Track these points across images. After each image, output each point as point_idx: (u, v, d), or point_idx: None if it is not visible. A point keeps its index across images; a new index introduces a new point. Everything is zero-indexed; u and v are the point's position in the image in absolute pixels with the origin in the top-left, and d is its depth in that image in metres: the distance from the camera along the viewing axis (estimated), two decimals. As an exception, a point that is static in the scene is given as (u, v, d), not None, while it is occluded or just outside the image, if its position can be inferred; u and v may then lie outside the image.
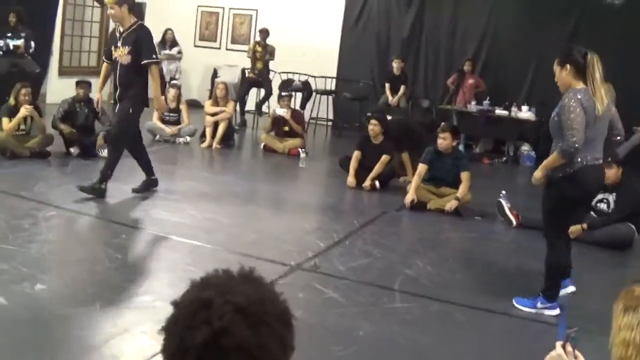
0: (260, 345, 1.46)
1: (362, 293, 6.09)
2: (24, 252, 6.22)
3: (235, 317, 1.46)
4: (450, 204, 9.22)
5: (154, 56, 8.41)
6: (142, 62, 8.24)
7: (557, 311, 5.93)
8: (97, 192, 8.31)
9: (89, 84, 11.37)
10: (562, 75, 5.71)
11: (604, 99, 5.55)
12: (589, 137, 5.54)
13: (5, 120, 10.28)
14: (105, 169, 8.40)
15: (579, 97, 5.51)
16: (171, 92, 13.30)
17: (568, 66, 5.63)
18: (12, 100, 10.40)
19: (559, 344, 2.83)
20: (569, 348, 2.81)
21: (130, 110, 8.37)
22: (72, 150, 10.68)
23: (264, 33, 15.98)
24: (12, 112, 10.30)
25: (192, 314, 1.48)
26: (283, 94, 13.48)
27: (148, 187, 8.94)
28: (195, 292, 1.54)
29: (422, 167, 9.60)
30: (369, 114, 12.28)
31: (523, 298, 6.12)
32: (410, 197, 9.38)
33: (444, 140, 9.52)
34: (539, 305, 5.97)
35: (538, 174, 5.90)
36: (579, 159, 5.59)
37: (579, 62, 5.58)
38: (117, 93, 8.51)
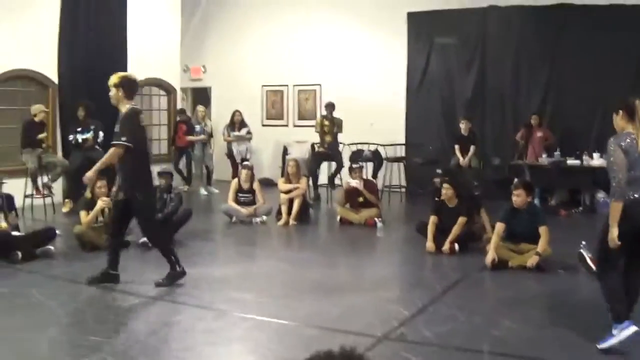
0: None
1: (451, 358, 6.07)
2: (110, 343, 6.32)
3: None
4: (532, 260, 9.15)
5: (123, 139, 8.06)
6: (111, 143, 8.14)
7: (633, 327, 5.94)
8: (174, 278, 8.41)
9: (171, 175, 11.76)
10: (617, 120, 6.25)
11: None
12: (635, 175, 6.02)
13: (83, 213, 10.53)
14: (168, 258, 8.46)
15: (618, 140, 6.05)
16: (243, 173, 13.45)
17: (621, 112, 6.17)
18: (88, 194, 10.64)
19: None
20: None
21: (141, 199, 8.22)
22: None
23: (330, 107, 16.15)
24: (90, 205, 10.54)
25: None
26: (354, 165, 13.55)
27: (104, 280, 8.49)
28: None
29: (499, 226, 9.57)
30: (438, 171, 12.39)
31: (602, 339, 6.13)
32: (490, 256, 9.34)
33: (518, 197, 9.50)
34: (615, 332, 6.01)
35: (612, 233, 6.02)
36: (626, 197, 5.97)
37: (630, 107, 6.08)
38: (119, 179, 8.38)
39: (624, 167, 5.96)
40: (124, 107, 8.28)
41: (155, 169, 12.01)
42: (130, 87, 8.35)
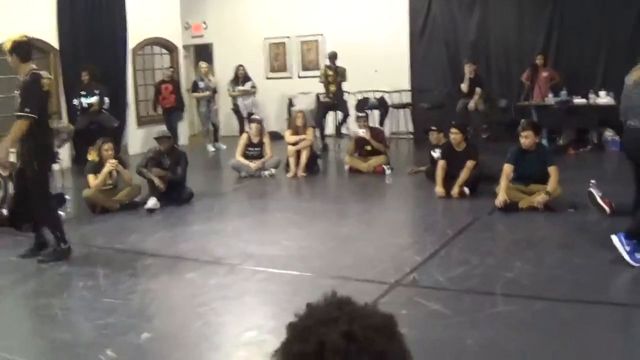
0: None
1: (464, 301, 6.09)
2: (126, 304, 6.35)
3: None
4: (540, 198, 9.14)
5: (26, 109, 7.43)
6: (15, 114, 7.52)
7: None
8: (60, 255, 7.90)
9: (169, 137, 11.45)
10: None
11: (633, 77, 6.99)
12: (624, 105, 7.32)
13: (91, 177, 10.39)
14: (55, 235, 7.94)
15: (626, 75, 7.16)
16: (253, 127, 13.43)
17: None
18: (95, 157, 10.51)
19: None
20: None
21: (36, 168, 7.69)
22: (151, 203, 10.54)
23: (333, 57, 16.04)
24: (97, 169, 10.44)
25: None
26: (360, 114, 13.52)
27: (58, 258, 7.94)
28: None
29: (508, 168, 9.53)
30: (433, 128, 12.39)
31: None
32: (501, 198, 9.32)
33: (526, 139, 9.45)
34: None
35: None
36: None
37: None
38: (17, 148, 7.85)
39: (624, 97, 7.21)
40: (23, 73, 7.70)
41: (154, 130, 11.93)
42: (22, 49, 7.73)
